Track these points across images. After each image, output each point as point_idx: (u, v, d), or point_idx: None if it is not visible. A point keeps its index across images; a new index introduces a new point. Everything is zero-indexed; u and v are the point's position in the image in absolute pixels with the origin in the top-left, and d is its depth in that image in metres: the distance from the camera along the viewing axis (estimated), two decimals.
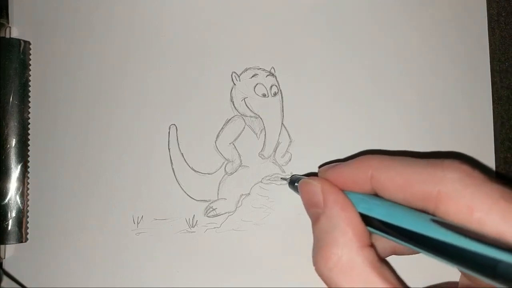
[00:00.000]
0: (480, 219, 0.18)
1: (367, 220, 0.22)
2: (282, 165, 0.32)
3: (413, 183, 0.20)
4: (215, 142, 0.32)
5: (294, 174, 0.31)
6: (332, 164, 0.25)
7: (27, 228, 0.32)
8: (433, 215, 0.20)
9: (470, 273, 0.17)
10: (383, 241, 0.25)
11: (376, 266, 0.20)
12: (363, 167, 0.23)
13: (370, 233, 0.23)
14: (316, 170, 0.32)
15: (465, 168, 0.19)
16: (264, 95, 0.32)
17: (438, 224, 0.19)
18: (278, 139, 0.32)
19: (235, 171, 0.32)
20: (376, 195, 0.23)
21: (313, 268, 0.31)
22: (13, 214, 0.31)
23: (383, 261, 0.20)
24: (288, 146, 0.32)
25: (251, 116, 0.32)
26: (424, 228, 0.19)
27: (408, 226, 0.20)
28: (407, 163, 0.21)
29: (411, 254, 0.25)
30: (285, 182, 0.32)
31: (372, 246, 0.21)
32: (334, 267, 0.20)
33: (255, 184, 0.32)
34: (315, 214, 0.23)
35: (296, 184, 0.27)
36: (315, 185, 0.23)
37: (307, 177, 0.25)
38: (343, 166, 0.24)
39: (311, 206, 0.23)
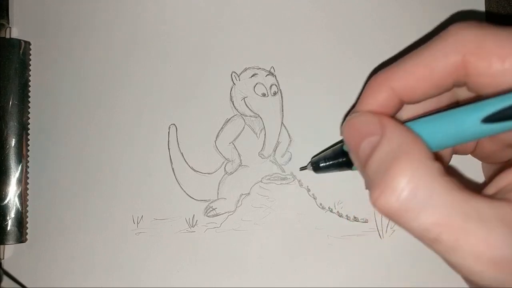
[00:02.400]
0: None
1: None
2: (282, 164, 0.32)
3: (435, 65, 0.19)
4: (215, 142, 0.32)
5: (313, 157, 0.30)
6: (351, 115, 0.22)
7: (26, 228, 0.32)
8: (467, 85, 0.19)
9: None
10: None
11: (450, 179, 0.18)
12: (380, 88, 0.21)
13: None
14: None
15: (470, 23, 0.19)
16: (263, 95, 0.32)
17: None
18: (278, 139, 0.32)
19: (235, 171, 0.32)
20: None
21: (312, 268, 0.31)
22: (12, 214, 0.31)
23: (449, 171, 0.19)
24: (288, 145, 0.32)
25: (250, 116, 0.32)
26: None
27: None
28: (416, 56, 0.20)
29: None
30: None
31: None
32: (412, 187, 0.17)
33: (255, 184, 0.32)
34: (370, 144, 0.19)
35: (321, 164, 0.26)
36: (368, 115, 0.21)
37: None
38: (365, 101, 0.22)
39: (364, 136, 0.20)
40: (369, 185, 0.19)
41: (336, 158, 0.26)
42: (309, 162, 0.29)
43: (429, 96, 0.20)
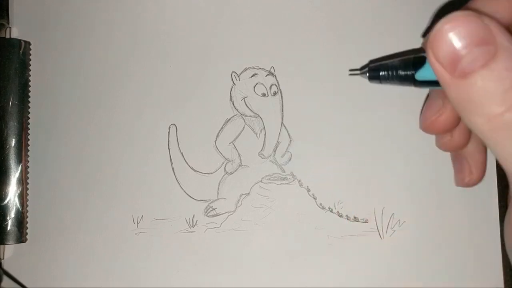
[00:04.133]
0: None
1: None
2: (282, 164, 0.32)
3: None
4: (215, 142, 0.32)
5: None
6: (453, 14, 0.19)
7: (26, 228, 0.32)
8: None
9: None
10: None
11: None
12: None
13: None
14: (316, 169, 0.32)
15: None
16: (263, 95, 0.32)
17: None
18: (278, 139, 0.32)
19: (235, 171, 0.32)
20: None
21: (312, 268, 0.31)
22: (12, 215, 0.31)
23: None
24: (288, 145, 0.32)
25: (251, 116, 0.32)
26: None
27: None
28: None
29: None
30: (287, 181, 0.32)
31: None
32: None
33: (255, 184, 0.32)
34: (485, 54, 0.17)
35: (381, 72, 0.23)
36: (480, 18, 0.18)
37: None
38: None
39: (478, 45, 0.17)
40: (476, 104, 0.17)
41: (404, 69, 0.23)
42: (365, 67, 0.25)
43: None
